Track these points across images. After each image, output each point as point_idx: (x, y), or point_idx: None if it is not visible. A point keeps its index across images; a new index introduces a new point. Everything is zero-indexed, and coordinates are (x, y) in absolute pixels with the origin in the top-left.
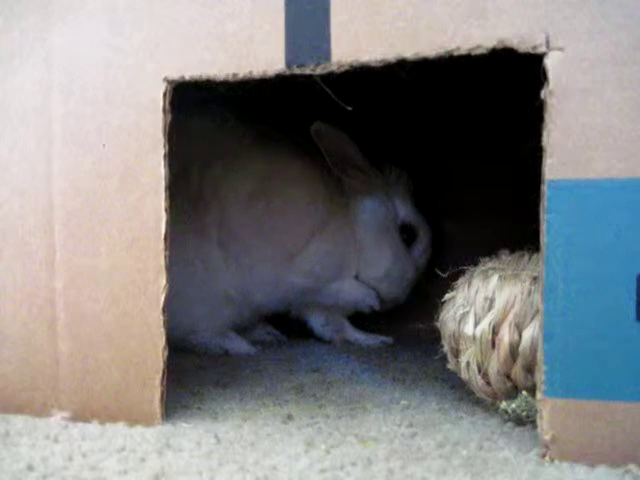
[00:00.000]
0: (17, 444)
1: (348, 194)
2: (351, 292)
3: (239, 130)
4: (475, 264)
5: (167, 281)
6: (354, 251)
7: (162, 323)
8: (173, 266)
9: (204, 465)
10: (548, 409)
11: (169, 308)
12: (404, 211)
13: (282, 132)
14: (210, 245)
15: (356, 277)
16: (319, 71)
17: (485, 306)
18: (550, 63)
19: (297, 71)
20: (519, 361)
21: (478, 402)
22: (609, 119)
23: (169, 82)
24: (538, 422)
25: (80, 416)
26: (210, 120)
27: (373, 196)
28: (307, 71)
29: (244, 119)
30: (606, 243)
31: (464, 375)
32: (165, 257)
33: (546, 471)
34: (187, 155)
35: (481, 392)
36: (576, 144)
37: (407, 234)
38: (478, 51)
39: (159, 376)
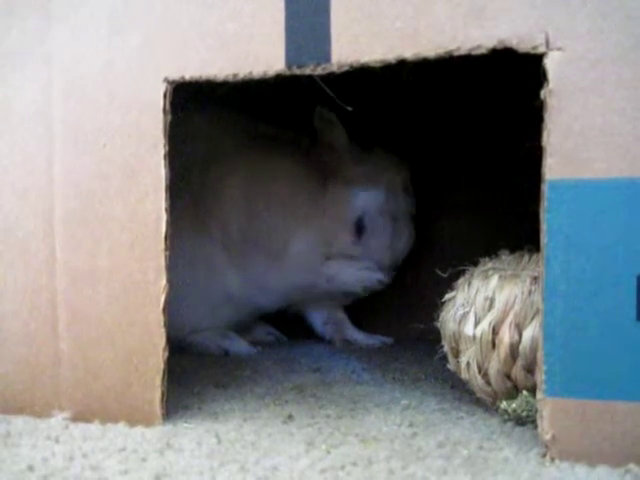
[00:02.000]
0: (18, 444)
1: (335, 180)
2: (348, 271)
3: (238, 130)
4: (475, 264)
5: (167, 281)
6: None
7: (162, 323)
8: (175, 267)
9: (205, 465)
10: (548, 409)
11: (170, 308)
12: (363, 199)
13: (279, 130)
14: (214, 247)
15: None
16: (319, 71)
17: (485, 306)
18: (550, 63)
19: (297, 71)
20: (519, 361)
21: (478, 402)
22: (609, 119)
23: (169, 82)
24: (538, 422)
25: (81, 416)
26: (210, 120)
27: (358, 182)
28: (307, 71)
29: (243, 118)
30: (606, 243)
31: (464, 375)
32: (165, 257)
33: (546, 471)
34: (188, 156)
35: (481, 392)
36: (576, 144)
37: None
38: (478, 51)
39: (159, 376)
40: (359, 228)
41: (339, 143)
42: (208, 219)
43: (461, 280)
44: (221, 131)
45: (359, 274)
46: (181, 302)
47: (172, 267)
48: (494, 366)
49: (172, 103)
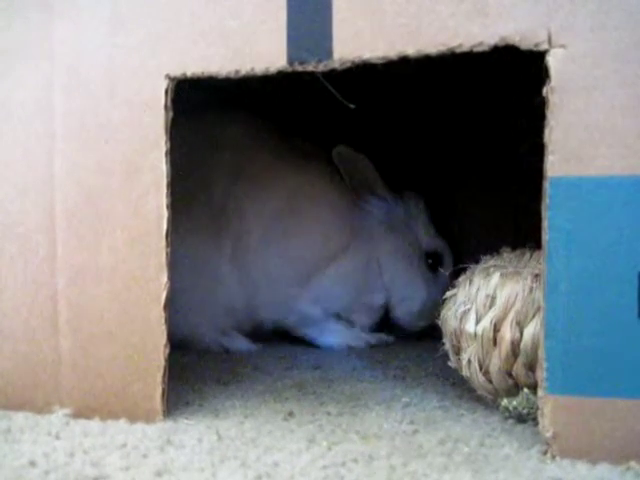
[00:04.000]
0: (19, 440)
1: (372, 224)
2: (348, 333)
3: (272, 143)
4: (476, 262)
5: (168, 278)
6: (376, 281)
7: (163, 320)
8: (180, 275)
9: (206, 461)
10: (549, 406)
11: (171, 313)
12: (427, 238)
13: (313, 146)
14: (222, 259)
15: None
16: (321, 68)
17: (486, 303)
18: (552, 60)
19: (299, 68)
20: (520, 358)
21: (479, 399)
22: (611, 116)
23: (171, 79)
24: (539, 419)
25: (81, 413)
26: (245, 130)
27: (395, 227)
28: (309, 68)
29: (278, 130)
30: (608, 240)
31: (465, 373)
32: (167, 254)
33: (547, 468)
34: (213, 166)
35: (482, 389)
36: (578, 141)
37: (433, 260)
38: (480, 48)
39: (160, 373)
40: (434, 260)
41: (374, 186)
42: (223, 233)
43: (462, 277)
44: (256, 143)
45: (353, 338)
46: (182, 310)
47: (176, 276)
48: (495, 363)
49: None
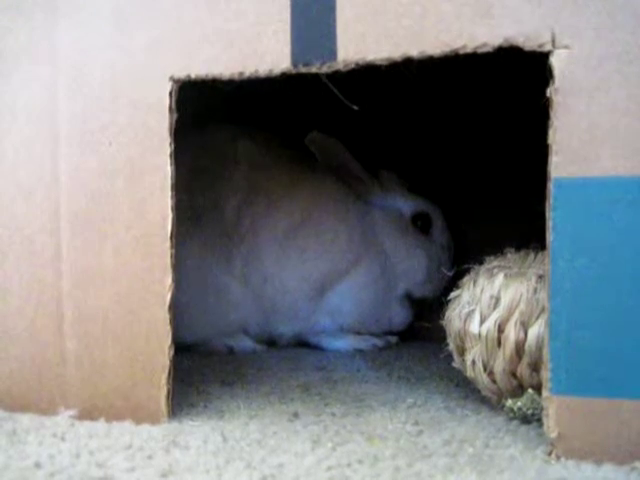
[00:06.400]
0: (24, 442)
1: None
2: (355, 341)
3: (281, 159)
4: (480, 262)
5: (173, 279)
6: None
7: (168, 321)
8: (189, 289)
9: (211, 463)
10: (554, 407)
11: (179, 325)
12: (407, 202)
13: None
14: (231, 277)
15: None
16: (325, 70)
17: (491, 304)
18: (556, 61)
19: (303, 70)
20: (525, 359)
21: (484, 400)
22: (615, 117)
23: (175, 81)
24: (544, 420)
25: (87, 414)
26: (259, 146)
27: (377, 203)
28: (313, 70)
29: (284, 143)
30: (612, 241)
31: (470, 373)
32: (171, 256)
33: (552, 469)
34: (225, 183)
35: (487, 390)
36: (582, 142)
37: (421, 221)
38: (484, 49)
39: (165, 374)
40: (423, 220)
41: (350, 168)
42: (234, 249)
43: (466, 278)
44: (267, 159)
45: (361, 341)
46: (192, 325)
47: (185, 291)
48: (499, 364)
49: (178, 101)
